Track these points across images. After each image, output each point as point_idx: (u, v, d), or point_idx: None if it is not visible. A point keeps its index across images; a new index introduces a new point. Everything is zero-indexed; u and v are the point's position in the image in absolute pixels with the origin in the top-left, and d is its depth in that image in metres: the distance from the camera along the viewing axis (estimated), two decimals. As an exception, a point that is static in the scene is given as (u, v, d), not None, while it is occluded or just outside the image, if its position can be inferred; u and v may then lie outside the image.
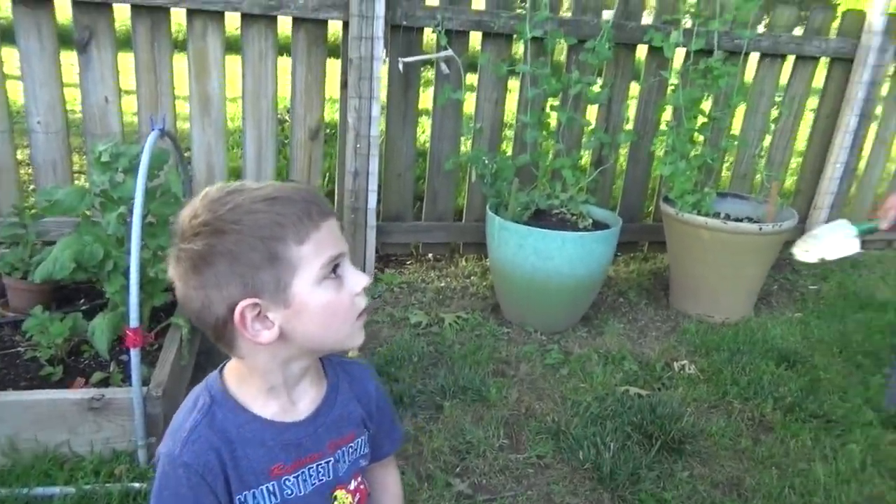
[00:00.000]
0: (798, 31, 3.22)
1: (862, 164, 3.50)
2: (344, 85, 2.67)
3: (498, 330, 2.57)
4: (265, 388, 0.81)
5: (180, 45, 2.82)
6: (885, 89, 3.32)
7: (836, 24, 3.23)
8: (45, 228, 2.24)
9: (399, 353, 2.30)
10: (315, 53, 2.65)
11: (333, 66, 2.75)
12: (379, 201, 2.82)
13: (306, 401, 0.84)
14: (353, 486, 0.88)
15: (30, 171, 2.76)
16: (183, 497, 0.76)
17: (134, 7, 2.43)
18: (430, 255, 3.12)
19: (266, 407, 0.81)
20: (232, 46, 2.64)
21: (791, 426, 2.09)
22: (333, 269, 0.76)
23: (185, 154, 2.31)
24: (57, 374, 1.79)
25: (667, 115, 3.06)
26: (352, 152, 2.68)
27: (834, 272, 3.34)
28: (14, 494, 1.53)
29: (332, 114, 3.52)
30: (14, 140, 2.54)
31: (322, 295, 0.75)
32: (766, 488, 1.82)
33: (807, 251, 2.23)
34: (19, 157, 2.67)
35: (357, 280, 0.78)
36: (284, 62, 2.66)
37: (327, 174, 3.24)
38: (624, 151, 3.44)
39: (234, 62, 2.64)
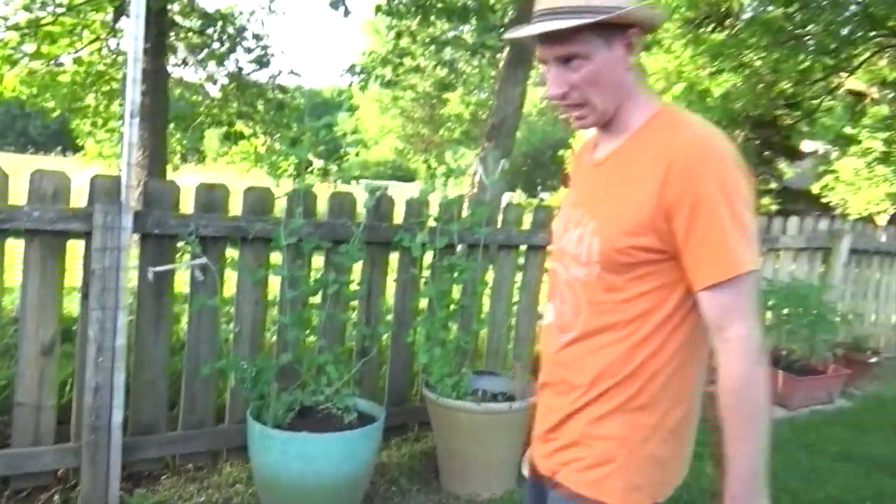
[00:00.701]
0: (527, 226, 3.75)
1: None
2: (85, 296, 2.52)
3: (263, 547, 2.41)
4: None
5: None
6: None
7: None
8: None
9: None
10: (51, 266, 2.50)
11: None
12: (126, 416, 2.61)
13: None
14: None
15: None
16: None
17: None
18: (189, 466, 2.89)
19: None
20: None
21: None
22: None
23: None
24: None
25: (423, 303, 3.31)
26: (93, 366, 2.48)
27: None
28: None
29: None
30: None
31: None
32: None
33: None
34: None
35: None
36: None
37: (65, 389, 2.93)
38: (387, 341, 3.61)
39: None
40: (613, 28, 1.13)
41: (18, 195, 2.50)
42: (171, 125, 8.19)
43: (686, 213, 1.09)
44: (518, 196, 24.05)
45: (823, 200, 22.33)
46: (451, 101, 23.62)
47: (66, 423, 2.61)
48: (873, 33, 11.52)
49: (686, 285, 1.14)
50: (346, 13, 7.10)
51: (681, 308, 1.16)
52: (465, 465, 2.95)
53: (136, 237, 2.62)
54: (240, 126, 8.77)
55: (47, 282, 2.50)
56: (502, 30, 7.92)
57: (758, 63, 12.36)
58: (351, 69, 9.70)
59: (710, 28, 14.11)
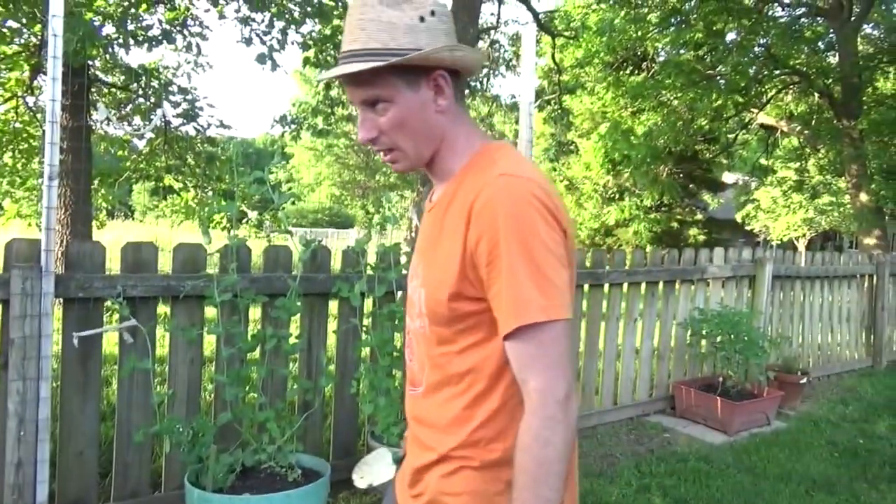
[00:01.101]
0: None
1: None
2: (3, 366, 2.38)
3: None
4: None
5: None
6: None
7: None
8: None
9: None
10: None
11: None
12: (53, 491, 2.44)
13: None
14: None
15: None
16: None
17: None
18: (124, 541, 2.72)
19: None
20: None
21: None
22: None
23: None
24: None
25: (365, 352, 3.26)
26: (14, 442, 2.33)
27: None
28: None
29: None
30: None
31: None
32: None
33: (361, 478, 2.39)
34: None
35: None
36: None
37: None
38: (330, 392, 3.53)
39: None
40: (416, 70, 1.09)
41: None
42: (96, 181, 7.93)
43: (485, 259, 1.03)
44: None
45: (747, 228, 23.49)
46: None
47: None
48: (777, 72, 12.37)
49: None
50: (274, 68, 7.12)
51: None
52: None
53: (59, 301, 2.51)
54: (169, 180, 8.57)
55: None
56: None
57: (675, 102, 13.04)
58: (282, 120, 9.69)
59: (628, 71, 14.83)
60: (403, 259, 3.29)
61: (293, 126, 9.54)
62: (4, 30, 6.13)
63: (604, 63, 14.26)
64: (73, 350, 2.54)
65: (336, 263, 3.42)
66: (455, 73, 1.14)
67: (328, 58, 7.66)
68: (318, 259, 3.15)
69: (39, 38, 6.27)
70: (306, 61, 7.86)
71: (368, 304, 3.17)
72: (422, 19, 1.09)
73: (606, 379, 4.46)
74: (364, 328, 3.16)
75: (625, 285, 4.50)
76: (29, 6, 5.56)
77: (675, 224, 21.45)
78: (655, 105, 13.20)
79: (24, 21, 6.07)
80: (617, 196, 21.22)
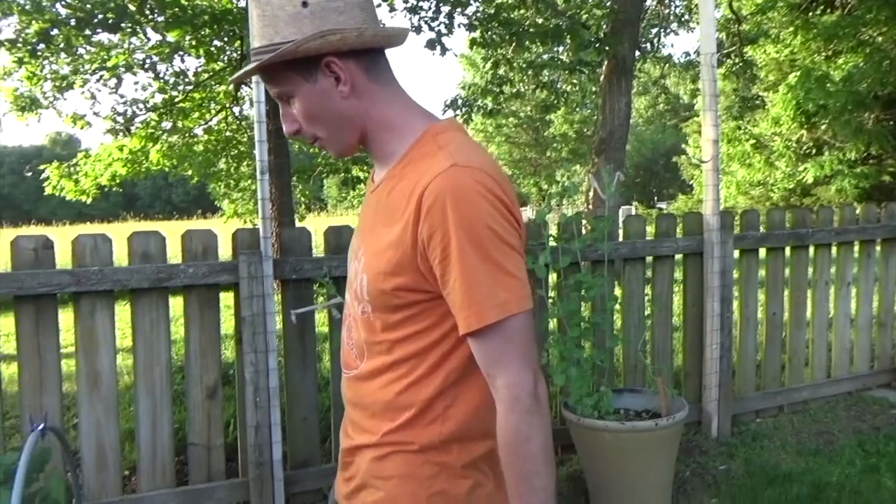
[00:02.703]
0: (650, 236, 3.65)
1: (737, 341, 3.81)
2: (239, 341, 2.72)
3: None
4: None
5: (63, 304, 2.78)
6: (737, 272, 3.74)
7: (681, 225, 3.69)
8: None
9: None
10: (208, 315, 2.72)
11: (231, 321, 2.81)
12: (285, 452, 2.76)
13: None
14: None
15: None
16: None
17: (16, 298, 2.44)
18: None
19: None
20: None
21: None
22: None
23: (73, 422, 2.21)
24: None
25: (552, 325, 3.28)
26: (252, 407, 2.66)
27: (738, 448, 3.47)
28: None
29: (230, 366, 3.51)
30: None
31: None
32: None
33: None
34: None
35: None
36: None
37: (229, 428, 3.16)
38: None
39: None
40: (307, 61, 1.04)
41: (172, 256, 2.75)
42: (294, 178, 8.71)
43: (438, 255, 1.00)
44: (635, 209, 23.40)
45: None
46: (555, 121, 23.53)
47: (234, 460, 2.81)
48: None
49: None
50: (443, 52, 7.30)
51: (461, 345, 1.06)
52: (613, 487, 2.86)
53: (276, 283, 2.81)
54: (357, 170, 9.17)
55: (206, 330, 2.72)
56: (598, 45, 7.83)
57: (879, 39, 11.43)
58: (453, 104, 9.93)
59: (818, 11, 13.24)
60: (585, 230, 3.25)
61: (464, 109, 9.73)
62: (212, 48, 6.90)
63: (789, 5, 12.86)
64: (292, 326, 2.83)
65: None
66: (370, 51, 1.07)
67: (493, 36, 7.71)
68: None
69: (239, 52, 6.99)
70: (472, 43, 7.97)
71: (553, 275, 3.18)
72: (304, 4, 1.02)
73: (818, 350, 4.08)
74: (550, 299, 3.18)
75: (833, 247, 4.08)
76: (230, 24, 6.22)
77: (887, 178, 18.85)
78: (855, 45, 11.67)
79: (226, 39, 6.80)
80: (813, 151, 19.07)
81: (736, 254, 3.71)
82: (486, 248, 0.98)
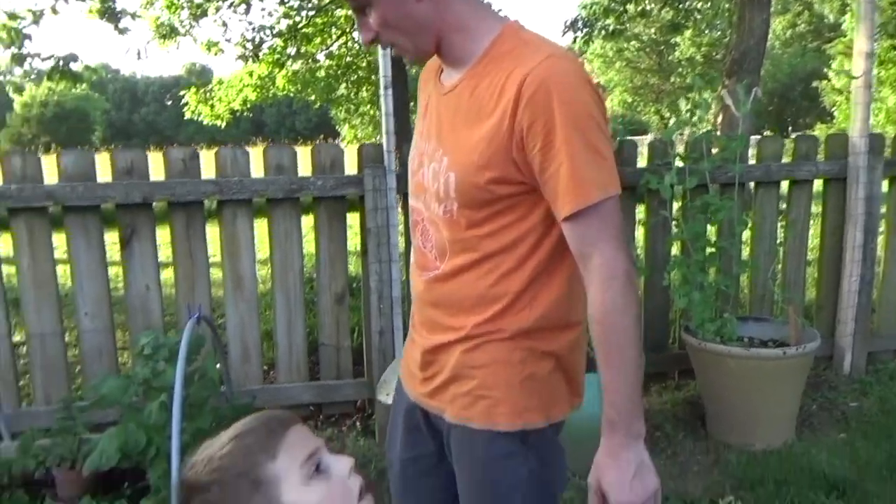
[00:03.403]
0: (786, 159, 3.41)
1: (880, 270, 3.54)
2: (364, 252, 2.85)
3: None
4: None
5: (213, 215, 3.01)
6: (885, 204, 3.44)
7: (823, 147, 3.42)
8: (92, 418, 2.34)
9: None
10: (336, 226, 2.87)
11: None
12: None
13: None
14: None
15: (77, 351, 2.93)
16: None
17: (170, 204, 2.68)
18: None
19: None
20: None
21: (850, 561, 2.01)
22: (316, 466, 0.83)
23: (220, 321, 2.44)
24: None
25: (675, 247, 3.19)
26: (376, 313, 2.81)
27: (873, 386, 3.29)
28: None
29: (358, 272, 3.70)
30: (64, 337, 2.73)
31: (313, 492, 0.82)
32: None
33: (387, 395, 2.21)
34: (67, 338, 2.84)
35: (342, 465, 0.85)
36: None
37: (356, 332, 3.36)
38: (640, 285, 3.54)
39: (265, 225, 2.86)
40: None
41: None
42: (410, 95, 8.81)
43: (539, 143, 1.03)
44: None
45: None
46: (681, 44, 22.04)
47: (360, 364, 3.01)
48: None
49: (549, 215, 1.10)
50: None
51: (547, 236, 1.12)
52: (733, 413, 2.80)
53: (398, 196, 2.90)
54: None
55: (334, 240, 2.87)
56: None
57: None
58: (573, 25, 9.53)
59: None
60: (715, 150, 3.09)
61: (584, 30, 9.33)
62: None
63: None
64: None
65: (642, 160, 3.34)
66: None
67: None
68: (625, 153, 3.11)
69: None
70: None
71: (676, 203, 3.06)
72: None
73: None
74: (674, 221, 3.08)
75: None
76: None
77: None
78: None
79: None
80: None
81: (884, 186, 3.41)
82: (588, 134, 1.04)
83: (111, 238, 2.80)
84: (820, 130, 18.51)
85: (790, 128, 26.11)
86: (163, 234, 2.80)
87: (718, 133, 7.16)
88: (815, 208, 3.58)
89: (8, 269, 2.85)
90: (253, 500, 0.79)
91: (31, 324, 2.66)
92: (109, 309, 2.72)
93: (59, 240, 2.73)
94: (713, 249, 3.00)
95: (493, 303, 1.14)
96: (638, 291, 1.10)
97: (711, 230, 3.13)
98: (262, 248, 3.04)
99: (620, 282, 1.05)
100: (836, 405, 3.14)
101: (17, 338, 3.07)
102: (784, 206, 3.41)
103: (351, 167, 2.96)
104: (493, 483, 1.17)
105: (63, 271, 3.08)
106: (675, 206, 3.11)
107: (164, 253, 2.88)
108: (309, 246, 3.02)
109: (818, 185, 3.46)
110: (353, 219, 3.14)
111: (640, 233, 3.29)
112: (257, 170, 2.83)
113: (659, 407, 3.14)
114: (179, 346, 1.78)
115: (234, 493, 0.79)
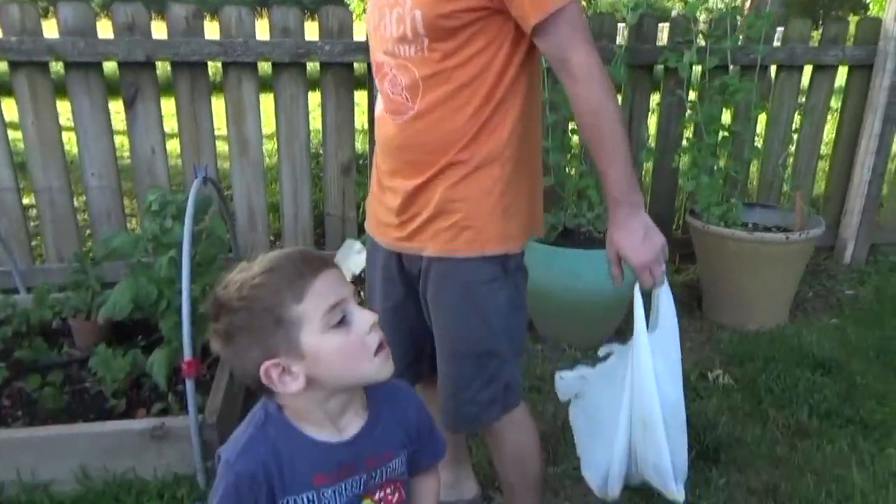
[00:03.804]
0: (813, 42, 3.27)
1: (892, 167, 3.49)
2: (371, 127, 2.81)
3: (532, 347, 2.65)
4: (311, 421, 0.91)
5: (218, 88, 2.96)
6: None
7: (851, 32, 3.27)
8: (104, 273, 2.41)
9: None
10: (343, 94, 2.80)
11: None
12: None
13: (351, 427, 0.94)
14: (378, 495, 0.97)
15: (86, 216, 2.97)
16: (230, 498, 0.88)
17: (174, 64, 2.62)
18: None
19: (314, 431, 0.91)
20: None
21: (828, 432, 2.11)
22: (341, 316, 0.86)
23: (227, 192, 2.46)
24: (121, 406, 1.94)
25: (688, 130, 3.13)
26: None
27: (871, 276, 3.33)
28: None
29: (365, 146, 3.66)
30: (72, 195, 2.74)
31: (332, 341, 0.85)
32: (802, 494, 1.85)
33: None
34: (75, 203, 2.86)
35: (364, 319, 0.88)
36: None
37: (360, 208, 3.37)
38: (648, 167, 3.51)
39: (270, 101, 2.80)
40: None
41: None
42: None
43: None
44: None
45: None
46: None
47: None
48: None
49: (515, 36, 1.18)
50: None
51: (513, 60, 1.20)
52: (730, 296, 2.86)
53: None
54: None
55: (342, 108, 2.82)
56: None
57: None
58: None
59: None
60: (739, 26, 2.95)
61: None
62: None
63: None
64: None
65: (663, 36, 3.21)
66: None
67: None
68: (645, 28, 2.98)
69: None
70: None
71: (697, 76, 2.97)
72: None
73: None
74: (689, 103, 3.00)
75: None
76: None
77: None
78: None
79: None
80: None
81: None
82: None
83: (115, 108, 2.75)
84: (852, 21, 17.63)
85: (821, 20, 24.89)
86: (167, 106, 2.75)
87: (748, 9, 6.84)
88: (835, 103, 3.47)
89: (14, 135, 2.82)
90: (275, 335, 0.84)
91: (38, 180, 2.67)
92: (116, 170, 2.72)
93: (63, 107, 2.69)
94: (726, 134, 2.94)
95: (468, 134, 1.22)
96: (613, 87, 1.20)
97: (726, 115, 3.06)
98: (268, 124, 2.99)
99: (598, 77, 1.15)
100: (833, 292, 3.20)
101: (26, 200, 3.09)
102: (803, 99, 3.31)
103: (359, 32, 2.85)
104: (474, 307, 1.28)
105: (68, 139, 3.05)
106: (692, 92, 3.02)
107: (169, 124, 2.82)
108: (315, 123, 2.97)
109: (840, 79, 3.34)
110: (360, 97, 3.06)
111: (653, 118, 3.22)
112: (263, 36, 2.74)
113: (657, 288, 3.19)
114: (186, 204, 1.79)
115: (259, 324, 0.84)
